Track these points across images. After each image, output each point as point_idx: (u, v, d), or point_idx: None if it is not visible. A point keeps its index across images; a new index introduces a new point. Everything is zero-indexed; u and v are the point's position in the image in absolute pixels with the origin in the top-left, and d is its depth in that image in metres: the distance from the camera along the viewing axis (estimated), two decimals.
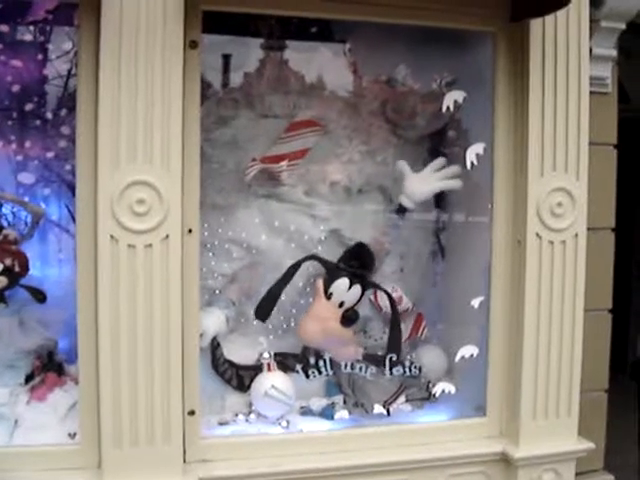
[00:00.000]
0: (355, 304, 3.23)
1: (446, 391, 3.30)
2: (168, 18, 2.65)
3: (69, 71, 3.68)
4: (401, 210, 3.36)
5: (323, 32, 3.47)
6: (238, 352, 3.22)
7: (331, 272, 3.25)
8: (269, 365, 3.15)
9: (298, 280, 3.26)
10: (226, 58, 3.48)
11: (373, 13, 2.98)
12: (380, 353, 3.28)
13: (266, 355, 3.16)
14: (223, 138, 3.26)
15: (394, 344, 3.23)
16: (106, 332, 2.67)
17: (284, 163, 3.21)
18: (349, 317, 3.15)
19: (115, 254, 2.65)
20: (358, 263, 3.26)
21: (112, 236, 2.64)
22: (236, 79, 3.43)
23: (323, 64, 3.58)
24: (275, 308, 3.21)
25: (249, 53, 3.44)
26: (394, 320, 3.24)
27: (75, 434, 2.89)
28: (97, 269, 2.68)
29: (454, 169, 3.33)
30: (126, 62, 2.62)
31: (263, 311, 3.17)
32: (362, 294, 3.25)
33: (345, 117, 3.43)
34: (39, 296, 3.10)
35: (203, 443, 2.90)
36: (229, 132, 3.27)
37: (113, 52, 2.62)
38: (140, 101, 2.63)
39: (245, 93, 3.37)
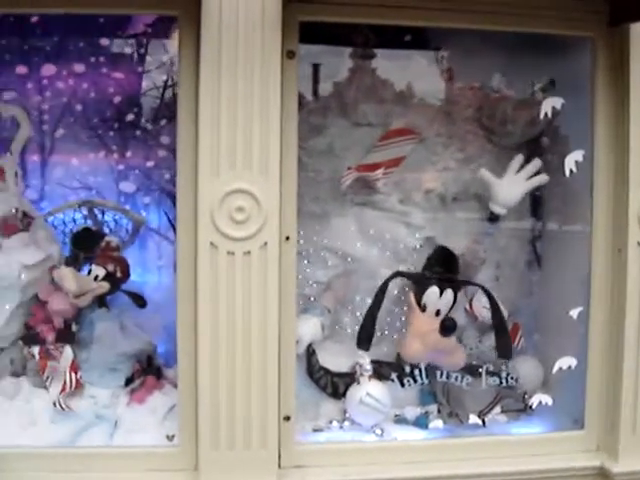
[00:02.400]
0: (450, 310, 3.21)
1: (543, 403, 3.23)
2: (266, 29, 2.68)
3: (165, 82, 3.79)
4: (493, 217, 3.32)
5: (417, 40, 3.47)
6: (333, 359, 3.23)
7: (419, 283, 3.23)
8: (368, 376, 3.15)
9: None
10: (316, 67, 3.52)
11: (470, 20, 2.95)
12: (475, 362, 3.25)
13: (368, 367, 3.15)
14: (319, 147, 3.29)
15: (504, 349, 3.18)
16: (205, 337, 2.71)
17: (380, 171, 3.22)
18: (447, 326, 3.11)
19: (214, 261, 2.69)
20: (443, 268, 3.24)
21: (212, 243, 2.69)
22: (328, 88, 3.46)
23: (416, 72, 3.58)
24: None
25: (340, 62, 3.47)
26: (499, 323, 3.19)
27: (173, 436, 2.95)
28: (197, 275, 2.73)
29: (536, 164, 3.27)
30: (225, 72, 2.66)
31: (364, 340, 3.14)
32: (455, 298, 3.22)
33: (440, 124, 3.42)
34: (140, 301, 3.19)
35: (298, 449, 2.91)
36: (324, 141, 3.31)
37: (213, 62, 2.66)
38: (239, 110, 2.67)
39: (338, 102, 3.39)
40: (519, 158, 3.28)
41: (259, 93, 2.68)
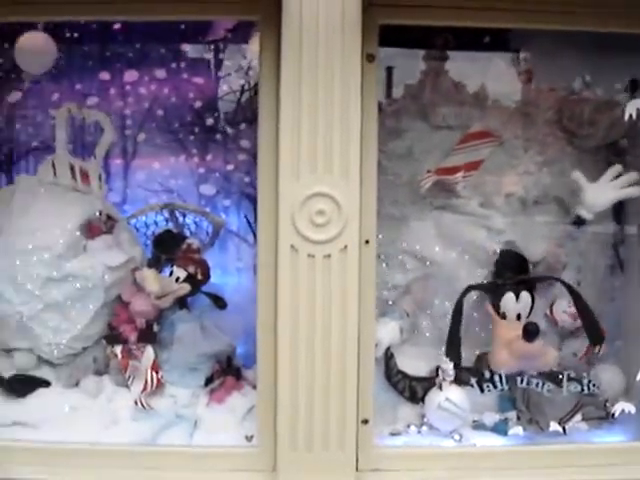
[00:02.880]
0: (531, 311, 3.17)
1: (625, 411, 3.15)
2: (346, 32, 2.68)
3: (242, 86, 3.84)
4: (579, 222, 3.26)
5: (496, 41, 3.44)
6: (411, 363, 3.21)
7: (493, 292, 3.21)
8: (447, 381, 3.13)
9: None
10: (390, 70, 3.52)
11: (549, 21, 2.91)
12: (556, 369, 3.19)
13: (451, 372, 3.11)
14: (397, 150, 3.29)
15: (595, 333, 3.17)
16: (285, 339, 2.73)
17: (459, 174, 3.19)
18: (530, 331, 3.06)
19: (295, 263, 2.71)
20: (513, 271, 3.21)
21: (292, 246, 2.70)
22: (404, 91, 3.46)
23: (495, 74, 3.55)
24: (447, 320, 3.19)
25: (413, 65, 3.46)
26: (584, 308, 3.16)
27: (252, 437, 2.98)
28: (277, 278, 2.75)
29: (632, 176, 3.21)
30: (306, 75, 2.67)
31: (454, 355, 3.13)
32: (532, 299, 3.19)
33: (519, 127, 3.37)
34: (220, 303, 3.23)
35: (375, 452, 2.91)
36: (403, 144, 3.30)
37: (293, 66, 2.68)
38: (320, 114, 2.68)
39: (416, 105, 3.38)
40: (617, 168, 3.24)
41: (339, 97, 2.68)
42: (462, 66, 3.45)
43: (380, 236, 3.03)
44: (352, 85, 2.69)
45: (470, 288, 3.20)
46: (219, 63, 3.98)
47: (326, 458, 2.78)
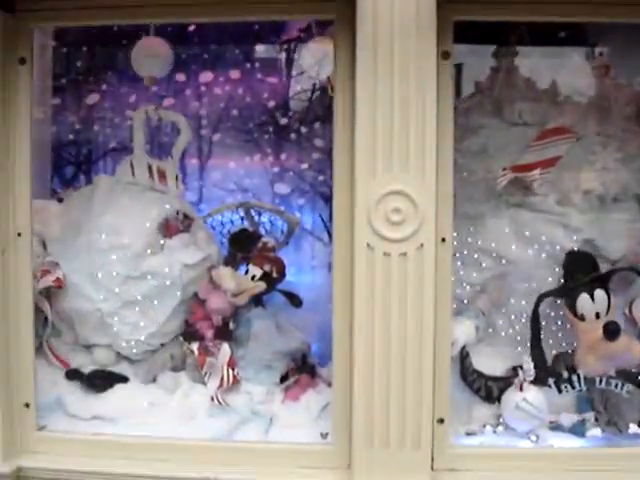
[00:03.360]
0: (609, 308, 3.10)
1: None
2: (421, 30, 2.67)
3: (314, 85, 3.85)
4: None
5: (572, 36, 3.39)
6: (486, 362, 3.18)
7: (567, 295, 3.15)
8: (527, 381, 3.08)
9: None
10: (459, 67, 3.48)
11: (629, 14, 2.83)
12: (635, 370, 3.13)
13: (532, 373, 3.06)
14: (472, 147, 3.26)
15: None
16: (361, 338, 2.73)
17: (536, 172, 3.15)
18: (611, 330, 3.00)
19: (371, 262, 2.70)
20: (582, 271, 3.14)
21: (368, 244, 2.70)
22: (474, 88, 3.42)
23: (570, 69, 3.49)
24: (523, 319, 3.19)
25: (482, 61, 3.42)
26: None
27: (327, 434, 3.00)
28: (353, 276, 2.75)
29: None
30: (381, 74, 2.67)
31: (538, 359, 3.10)
32: (608, 295, 3.11)
33: (596, 123, 3.30)
34: (295, 301, 3.26)
35: (451, 452, 2.89)
36: (478, 141, 3.27)
37: (368, 64, 2.68)
38: (396, 112, 2.67)
39: (490, 102, 3.35)
40: None
41: (415, 94, 2.68)
42: (533, 62, 3.40)
43: (455, 234, 3.02)
44: (428, 83, 2.68)
45: (542, 297, 3.15)
46: (291, 63, 4.00)
47: (401, 457, 2.78)
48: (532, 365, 3.06)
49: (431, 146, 2.69)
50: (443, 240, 2.79)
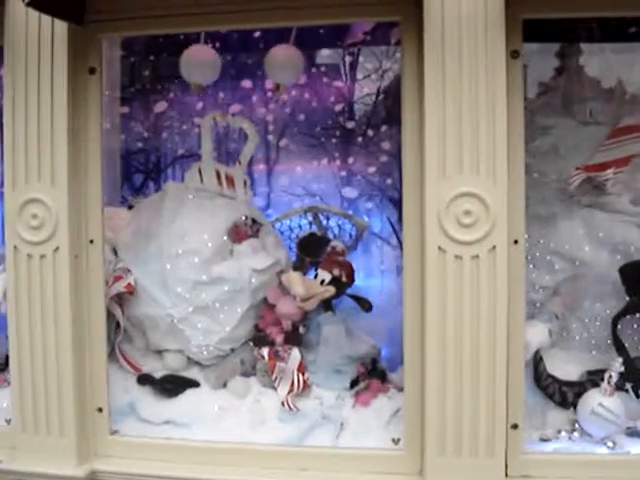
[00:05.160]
0: None
1: None
2: (489, 29, 2.64)
3: (378, 88, 3.84)
4: None
5: None
6: (560, 367, 3.11)
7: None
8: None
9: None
10: (524, 67, 3.43)
11: None
12: None
13: (616, 378, 2.98)
14: (543, 147, 3.21)
15: None
16: (433, 342, 2.71)
17: (610, 171, 3.08)
18: None
19: (442, 265, 2.68)
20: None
21: (439, 247, 2.67)
22: (538, 89, 3.37)
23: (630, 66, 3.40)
24: (598, 323, 3.13)
25: (546, 60, 3.36)
26: None
27: (399, 440, 2.97)
28: (424, 280, 2.73)
29: None
30: (450, 75, 2.65)
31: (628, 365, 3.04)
32: None
33: None
34: (365, 305, 3.24)
35: (525, 458, 2.83)
36: (548, 141, 3.22)
37: (437, 66, 2.65)
38: (465, 113, 2.65)
39: (560, 101, 3.29)
40: None
41: (485, 95, 2.64)
42: (600, 59, 3.33)
43: (527, 236, 2.97)
44: (497, 83, 2.65)
45: (616, 318, 3.09)
46: (358, 66, 4.00)
47: (475, 463, 2.74)
48: (622, 368, 2.99)
49: (502, 146, 2.65)
50: (515, 242, 2.74)
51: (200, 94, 3.59)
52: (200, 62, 3.34)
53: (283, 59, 3.33)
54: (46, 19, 2.89)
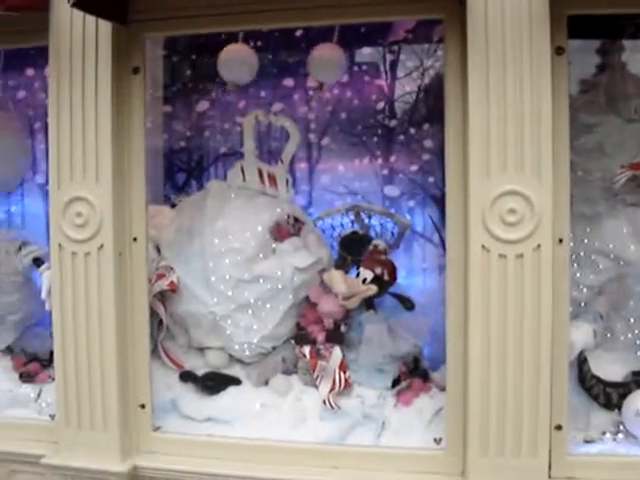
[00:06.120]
0: None
1: None
2: (534, 26, 2.62)
3: (419, 87, 3.83)
4: None
5: None
6: (605, 368, 3.08)
7: None
8: None
9: None
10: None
11: None
12: None
13: None
14: (587, 145, 3.16)
15: None
16: (476, 341, 2.69)
17: None
18: None
19: (486, 264, 2.66)
20: None
21: (483, 246, 2.66)
22: (579, 86, 3.32)
23: None
24: None
25: (587, 57, 3.32)
26: None
27: (441, 439, 2.95)
28: (467, 279, 2.72)
29: None
30: (494, 72, 2.63)
31: None
32: None
33: None
34: (408, 304, 3.22)
35: (569, 459, 2.80)
36: (593, 139, 3.17)
37: (480, 63, 2.64)
38: (509, 111, 2.63)
39: (605, 98, 3.25)
40: None
41: (529, 92, 2.62)
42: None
43: (571, 235, 2.94)
44: (542, 80, 2.62)
45: None
46: (398, 64, 3.98)
47: (517, 464, 2.72)
48: None
49: (547, 144, 2.63)
50: (560, 241, 2.71)
51: (237, 92, 3.60)
52: (237, 61, 3.36)
53: (327, 58, 3.34)
54: (90, 19, 2.93)
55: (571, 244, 2.96)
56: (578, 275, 3.14)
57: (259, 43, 3.72)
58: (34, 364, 3.64)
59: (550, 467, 2.76)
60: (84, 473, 3.03)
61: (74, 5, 2.68)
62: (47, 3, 2.97)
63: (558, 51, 2.70)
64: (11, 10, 2.85)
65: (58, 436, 3.13)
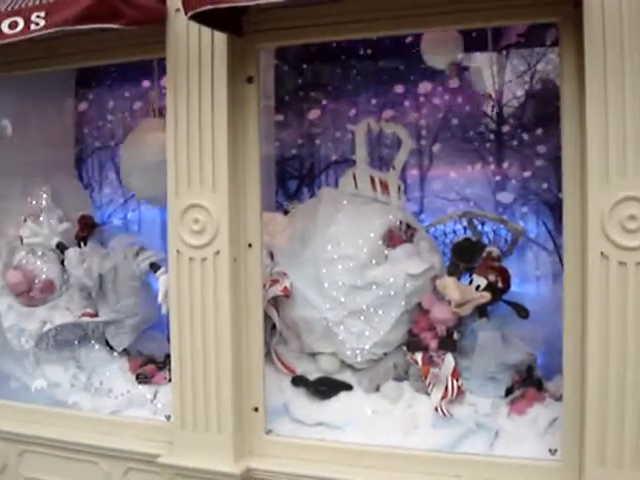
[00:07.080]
0: None
1: None
2: None
3: (530, 91, 3.76)
4: None
5: None
6: None
7: None
8: None
9: None
10: None
11: None
12: None
13: None
14: None
15: None
16: (594, 350, 2.63)
17: None
18: None
19: (605, 272, 2.60)
20: None
21: (602, 253, 2.60)
22: None
23: None
24: None
25: None
26: None
27: (556, 450, 2.89)
28: (585, 287, 2.66)
29: None
30: (612, 75, 2.57)
31: None
32: None
33: None
34: (522, 312, 3.17)
35: None
36: None
37: (598, 66, 2.58)
38: (628, 113, 2.55)
39: None
40: None
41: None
42: None
43: None
44: None
45: None
46: (507, 68, 3.93)
47: (637, 477, 2.63)
48: None
49: None
50: None
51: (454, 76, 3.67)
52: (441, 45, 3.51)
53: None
54: (206, 31, 3.01)
55: None
56: None
57: (369, 51, 3.75)
58: (150, 366, 3.78)
59: None
60: (198, 473, 3.11)
61: (191, 18, 2.76)
62: (164, 17, 3.08)
63: None
64: (131, 24, 2.95)
65: (173, 436, 3.22)
